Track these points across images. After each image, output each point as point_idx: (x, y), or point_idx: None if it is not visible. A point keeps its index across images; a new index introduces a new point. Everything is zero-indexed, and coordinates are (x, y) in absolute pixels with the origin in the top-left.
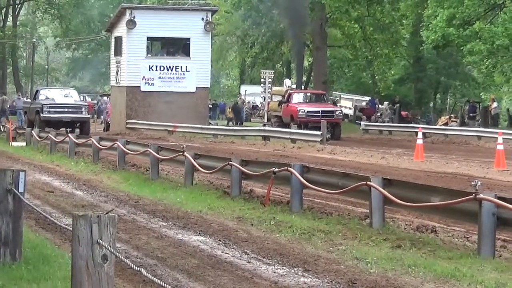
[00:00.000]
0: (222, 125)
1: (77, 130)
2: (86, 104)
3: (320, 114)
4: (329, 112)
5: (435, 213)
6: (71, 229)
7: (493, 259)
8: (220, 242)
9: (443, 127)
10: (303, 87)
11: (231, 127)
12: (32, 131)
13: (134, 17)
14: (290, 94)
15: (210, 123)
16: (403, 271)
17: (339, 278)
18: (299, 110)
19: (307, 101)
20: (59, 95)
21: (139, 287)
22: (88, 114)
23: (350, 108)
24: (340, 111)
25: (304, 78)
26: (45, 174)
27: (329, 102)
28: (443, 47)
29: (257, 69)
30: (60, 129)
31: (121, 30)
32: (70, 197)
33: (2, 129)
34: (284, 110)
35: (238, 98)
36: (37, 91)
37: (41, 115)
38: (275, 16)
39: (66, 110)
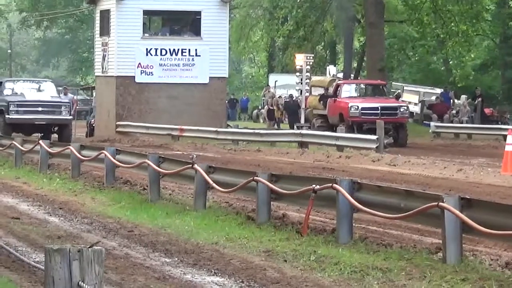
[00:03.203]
0: (246, 128)
1: (54, 136)
2: (67, 101)
3: (379, 111)
4: (391, 109)
5: None
6: (43, 268)
7: None
8: (243, 285)
9: None
10: (352, 76)
11: (256, 131)
12: None
13: None
14: (338, 86)
15: (228, 125)
16: None
17: None
18: (351, 106)
19: (361, 94)
20: (30, 89)
21: None
22: (69, 115)
23: (415, 104)
24: (405, 108)
25: (354, 65)
26: (8, 195)
27: (390, 96)
28: None
29: (291, 53)
30: (33, 135)
31: (108, 1)
32: (42, 225)
33: None
34: (330, 107)
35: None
36: (0, 83)
37: (7, 116)
38: None
39: (40, 109)
